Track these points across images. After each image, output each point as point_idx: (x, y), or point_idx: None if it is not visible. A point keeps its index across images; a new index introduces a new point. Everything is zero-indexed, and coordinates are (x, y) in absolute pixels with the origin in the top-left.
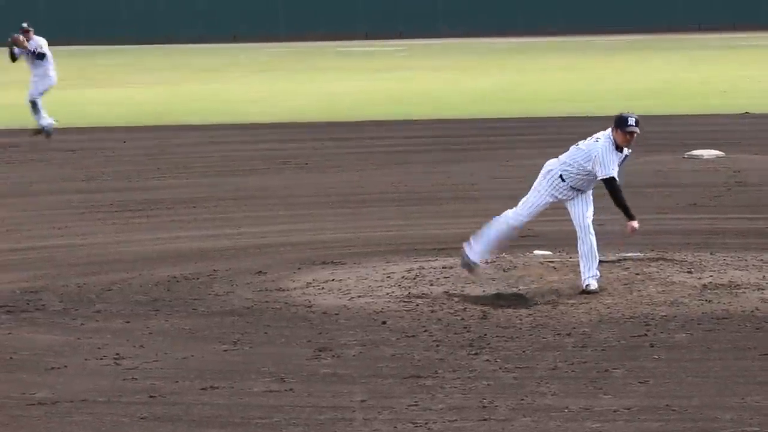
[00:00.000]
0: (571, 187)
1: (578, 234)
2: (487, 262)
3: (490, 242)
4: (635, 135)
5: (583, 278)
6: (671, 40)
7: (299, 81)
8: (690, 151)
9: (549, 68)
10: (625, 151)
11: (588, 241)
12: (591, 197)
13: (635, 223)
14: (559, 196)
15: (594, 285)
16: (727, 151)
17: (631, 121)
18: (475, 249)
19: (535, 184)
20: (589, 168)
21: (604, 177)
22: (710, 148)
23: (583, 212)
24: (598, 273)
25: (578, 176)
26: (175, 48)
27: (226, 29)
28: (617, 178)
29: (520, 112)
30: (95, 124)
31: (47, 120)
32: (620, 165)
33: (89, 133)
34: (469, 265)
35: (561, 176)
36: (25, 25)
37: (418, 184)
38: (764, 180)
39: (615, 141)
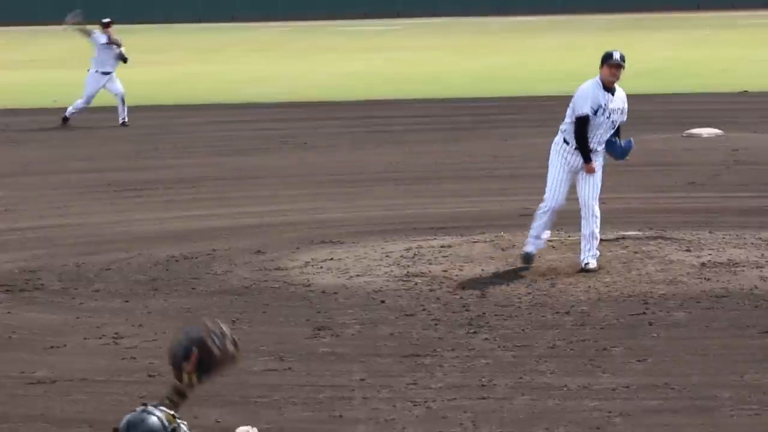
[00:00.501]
0: (576, 148)
1: (583, 213)
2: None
3: (534, 231)
4: (620, 69)
5: (582, 257)
6: (670, 18)
7: (298, 61)
8: (689, 129)
9: (548, 47)
10: (616, 101)
11: (592, 222)
12: (600, 176)
13: (594, 165)
14: (572, 163)
15: (593, 264)
16: (726, 130)
17: (615, 55)
18: (528, 240)
19: (549, 163)
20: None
21: (578, 115)
22: (709, 127)
23: (591, 192)
24: (598, 252)
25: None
26: (173, 28)
27: (224, 9)
28: (590, 118)
29: (519, 91)
30: (94, 104)
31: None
32: (614, 124)
33: (88, 113)
34: (525, 257)
35: (564, 140)
36: (108, 20)
37: (416, 163)
38: (762, 158)
39: (602, 81)
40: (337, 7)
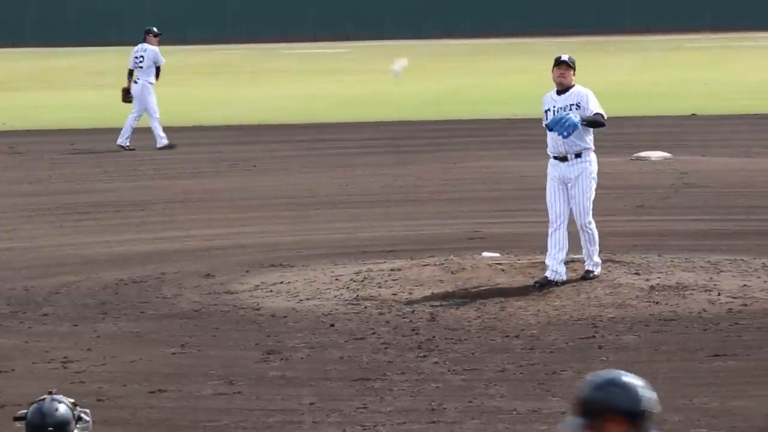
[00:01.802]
0: (554, 157)
1: (578, 227)
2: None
3: (547, 258)
4: (568, 69)
5: (585, 267)
6: (619, 42)
7: (247, 84)
8: (637, 152)
9: (498, 70)
10: (567, 99)
11: (583, 236)
12: (584, 191)
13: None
14: (554, 174)
15: (597, 271)
16: (674, 153)
17: (563, 56)
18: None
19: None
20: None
21: None
22: (657, 150)
23: (577, 208)
24: (600, 260)
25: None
26: (123, 50)
27: (174, 31)
28: (546, 126)
29: (469, 114)
30: (43, 126)
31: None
32: (564, 115)
33: (37, 135)
34: (541, 282)
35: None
36: (155, 29)
37: (366, 186)
38: (711, 181)
39: (555, 85)
40: (287, 30)
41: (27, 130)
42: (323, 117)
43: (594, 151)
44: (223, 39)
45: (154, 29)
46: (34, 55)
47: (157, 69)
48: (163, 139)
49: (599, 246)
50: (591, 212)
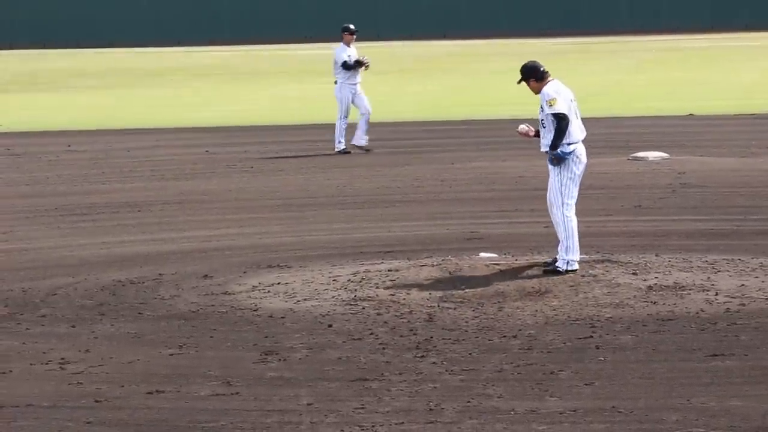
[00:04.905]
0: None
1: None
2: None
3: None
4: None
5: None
6: (615, 42)
7: (243, 85)
8: (635, 152)
9: (494, 71)
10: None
11: (556, 220)
12: (553, 182)
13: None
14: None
15: (561, 268)
16: (672, 153)
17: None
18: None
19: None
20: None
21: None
22: (655, 150)
23: (548, 196)
24: (565, 256)
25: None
26: (119, 52)
27: (170, 33)
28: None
29: (464, 115)
30: (40, 128)
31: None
32: (541, 122)
33: (33, 137)
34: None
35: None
36: (352, 27)
37: (363, 187)
38: (708, 181)
39: None
40: (281, 32)
41: (23, 132)
42: (320, 118)
43: (570, 144)
44: (219, 40)
45: (348, 26)
46: (29, 56)
47: (344, 64)
48: (340, 144)
49: (574, 245)
50: (564, 204)
